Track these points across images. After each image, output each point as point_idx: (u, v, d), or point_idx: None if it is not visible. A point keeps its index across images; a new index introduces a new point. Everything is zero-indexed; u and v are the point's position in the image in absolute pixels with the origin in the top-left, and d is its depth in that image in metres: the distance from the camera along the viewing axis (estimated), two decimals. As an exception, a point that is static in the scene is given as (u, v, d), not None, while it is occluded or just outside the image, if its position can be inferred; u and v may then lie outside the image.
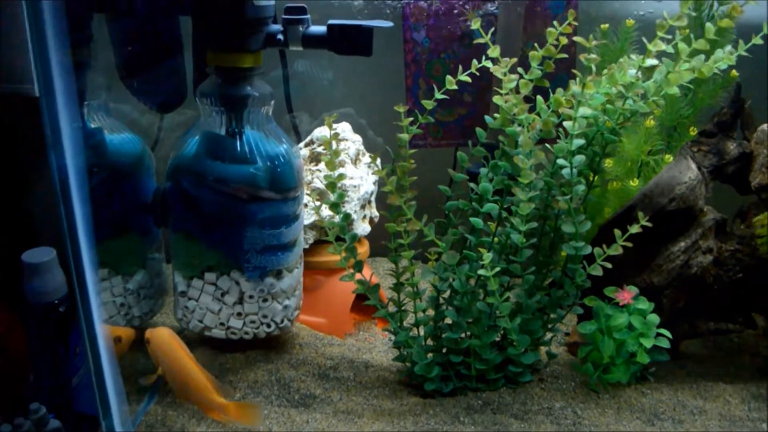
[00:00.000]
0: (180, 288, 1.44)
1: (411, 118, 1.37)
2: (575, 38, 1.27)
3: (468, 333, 1.39)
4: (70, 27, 0.98)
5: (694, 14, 1.71)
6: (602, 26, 1.70)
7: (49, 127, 0.98)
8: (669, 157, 1.59)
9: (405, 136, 1.38)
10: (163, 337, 1.31)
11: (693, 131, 1.62)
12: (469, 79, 1.35)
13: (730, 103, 1.59)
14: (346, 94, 1.97)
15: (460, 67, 1.35)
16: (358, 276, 1.43)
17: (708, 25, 1.24)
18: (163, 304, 1.56)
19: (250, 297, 1.42)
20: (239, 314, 1.43)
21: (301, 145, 1.78)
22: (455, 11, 1.78)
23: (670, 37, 1.26)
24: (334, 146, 1.37)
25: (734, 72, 1.65)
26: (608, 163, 1.59)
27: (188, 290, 1.43)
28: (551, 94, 1.32)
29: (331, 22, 1.34)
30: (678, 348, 1.60)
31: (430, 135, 1.89)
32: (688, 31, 1.27)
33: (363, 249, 1.74)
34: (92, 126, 1.38)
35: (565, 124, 1.29)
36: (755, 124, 1.61)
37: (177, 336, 1.32)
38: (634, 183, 1.60)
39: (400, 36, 1.83)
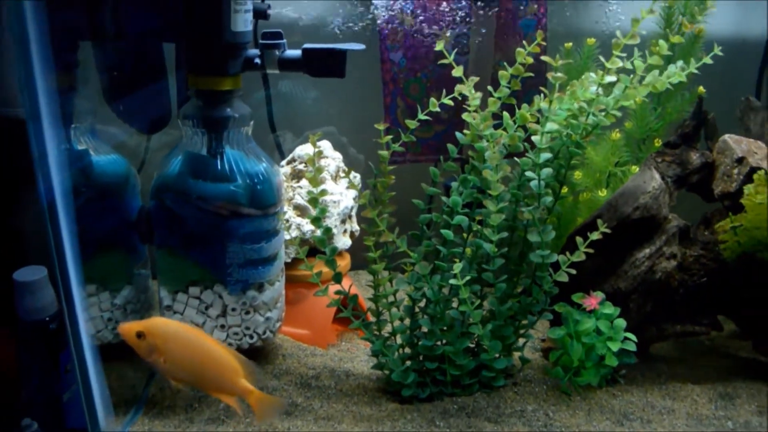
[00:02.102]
0: (165, 302, 1.50)
1: (390, 136, 1.44)
2: (543, 58, 1.34)
3: (442, 340, 1.45)
4: (57, 53, 1.04)
5: (663, 31, 1.79)
6: (566, 45, 1.77)
7: (35, 150, 1.02)
8: (635, 168, 1.66)
9: (385, 153, 1.44)
10: (166, 324, 1.27)
11: (658, 143, 1.69)
12: (451, 103, 1.41)
13: (693, 115, 1.66)
14: (328, 113, 2.03)
15: (444, 90, 1.42)
16: (336, 288, 1.48)
17: (661, 42, 1.30)
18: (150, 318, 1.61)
19: (233, 309, 1.47)
20: (223, 326, 1.48)
21: (283, 162, 1.84)
22: (429, 32, 1.85)
23: (625, 54, 1.33)
24: (317, 163, 1.43)
25: (701, 88, 1.72)
26: (578, 174, 1.67)
27: (173, 304, 1.49)
28: (517, 110, 1.38)
29: (305, 46, 1.40)
30: (648, 351, 1.66)
31: (409, 151, 1.95)
32: (659, 47, 1.34)
33: (344, 262, 1.80)
34: (79, 148, 1.44)
35: (533, 138, 1.36)
36: (720, 135, 1.68)
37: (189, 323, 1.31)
38: (603, 193, 1.66)
39: (378, 56, 1.90)
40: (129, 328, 1.25)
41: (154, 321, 1.27)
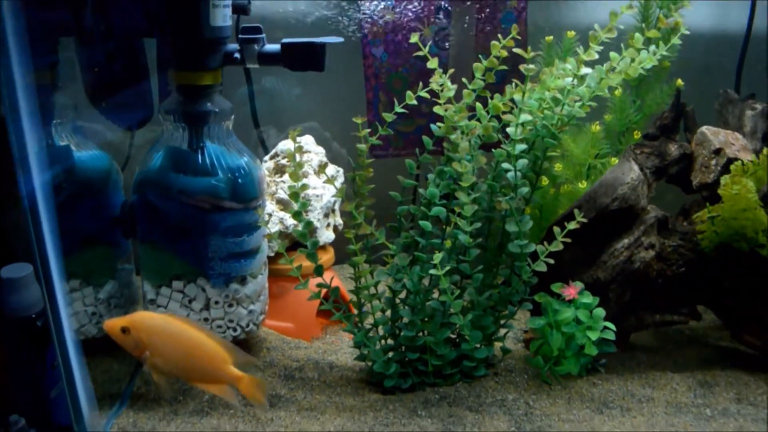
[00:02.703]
0: (149, 296, 1.51)
1: (369, 129, 1.45)
2: (515, 50, 1.35)
3: (423, 331, 1.46)
4: (37, 49, 1.04)
5: (642, 25, 1.81)
6: (547, 38, 1.79)
7: (15, 146, 1.03)
8: (615, 160, 1.67)
9: (363, 147, 1.45)
10: (150, 318, 1.27)
11: (637, 135, 1.71)
12: (428, 96, 1.42)
13: (671, 108, 1.68)
14: (312, 108, 2.05)
15: (421, 84, 1.43)
16: (317, 281, 1.50)
17: (636, 35, 1.32)
18: (134, 312, 1.62)
19: (216, 303, 1.48)
20: (206, 319, 1.49)
21: (267, 157, 1.85)
22: (410, 27, 1.86)
23: (601, 48, 1.34)
24: (298, 158, 1.45)
25: (679, 81, 1.73)
26: (558, 167, 1.68)
27: (157, 298, 1.50)
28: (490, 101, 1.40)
29: (284, 40, 1.41)
30: (628, 340, 1.68)
31: (392, 145, 1.97)
32: (634, 40, 1.36)
33: (328, 256, 1.82)
34: (61, 144, 1.45)
35: (509, 129, 1.37)
36: (698, 127, 1.70)
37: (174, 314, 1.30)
38: (583, 185, 1.68)
39: (360, 51, 1.91)
40: (113, 324, 1.26)
41: (138, 315, 1.28)
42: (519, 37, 1.41)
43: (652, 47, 1.37)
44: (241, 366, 1.27)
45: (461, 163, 1.32)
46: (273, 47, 1.43)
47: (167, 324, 1.27)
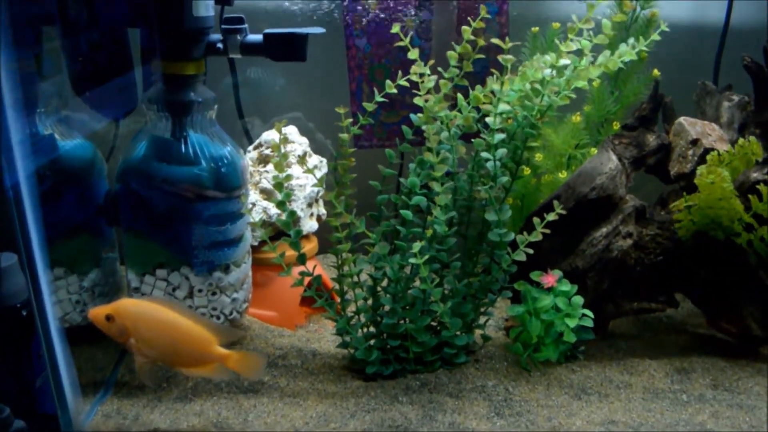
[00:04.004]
0: (133, 284, 1.52)
1: (350, 120, 1.47)
2: (492, 40, 1.37)
3: (405, 318, 1.48)
4: (20, 39, 1.05)
5: (625, 18, 1.82)
6: (532, 29, 1.81)
7: (-1, 136, 1.04)
8: (594, 150, 1.69)
9: (345, 136, 1.47)
10: (134, 304, 1.27)
11: (616, 126, 1.73)
12: (407, 84, 1.44)
13: (650, 99, 1.70)
14: (296, 98, 2.06)
15: (400, 72, 1.45)
16: (300, 269, 1.51)
17: (605, 21, 1.34)
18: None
19: (200, 291, 1.50)
20: (190, 307, 1.51)
21: (251, 147, 1.86)
22: (393, 18, 1.88)
23: (581, 38, 1.36)
24: (283, 149, 1.46)
25: (656, 71, 1.76)
26: (539, 157, 1.70)
27: (141, 286, 1.51)
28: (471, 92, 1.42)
29: (267, 30, 1.43)
30: (607, 327, 1.70)
31: (375, 136, 1.98)
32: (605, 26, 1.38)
33: (311, 245, 1.83)
34: (45, 133, 1.45)
35: (487, 119, 1.39)
36: (676, 118, 1.72)
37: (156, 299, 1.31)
38: (563, 175, 1.70)
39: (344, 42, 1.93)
40: (97, 312, 1.25)
41: (121, 303, 1.27)
42: (488, 16, 1.42)
43: (631, 40, 1.39)
44: (227, 344, 1.27)
45: (433, 152, 1.34)
46: (255, 37, 1.44)
47: (152, 310, 1.27)
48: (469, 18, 1.42)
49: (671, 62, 1.80)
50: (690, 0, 2.07)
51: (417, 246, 1.35)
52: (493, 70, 1.40)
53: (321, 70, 1.99)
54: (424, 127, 1.41)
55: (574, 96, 1.42)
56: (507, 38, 1.37)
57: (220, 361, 1.26)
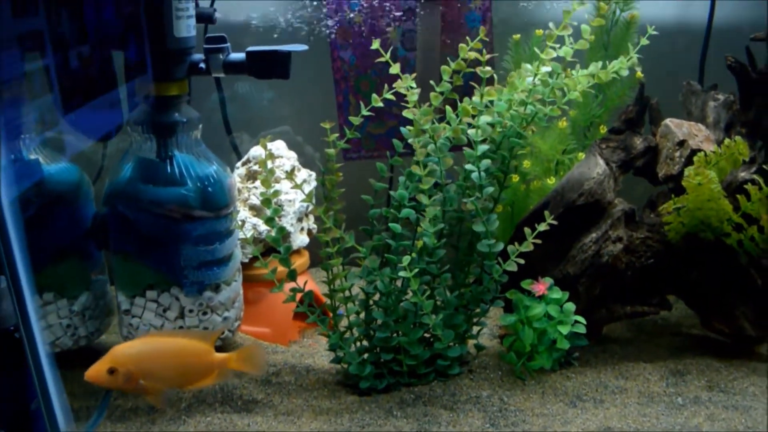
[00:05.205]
0: (123, 306, 1.52)
1: (337, 134, 1.47)
2: (471, 53, 1.37)
3: (397, 331, 1.48)
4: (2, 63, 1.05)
5: (603, 22, 1.83)
6: (514, 36, 1.81)
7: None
8: (582, 155, 1.69)
9: (332, 151, 1.47)
10: (128, 347, 1.25)
11: (603, 129, 1.73)
12: (393, 97, 1.44)
13: (635, 101, 1.71)
14: (284, 113, 2.06)
15: (386, 85, 1.45)
16: (292, 285, 1.51)
17: (583, 26, 1.34)
18: (109, 323, 1.63)
19: (190, 311, 1.49)
20: (181, 328, 1.50)
21: (239, 164, 1.86)
22: (377, 30, 1.88)
23: (558, 45, 1.37)
24: (270, 165, 1.46)
25: (639, 73, 1.76)
26: (527, 163, 1.70)
27: (131, 308, 1.51)
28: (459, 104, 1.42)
29: (249, 49, 1.42)
30: (600, 332, 1.70)
31: (363, 147, 1.98)
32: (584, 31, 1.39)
33: (302, 260, 1.83)
34: (30, 158, 1.45)
35: (470, 132, 1.39)
36: (663, 119, 1.72)
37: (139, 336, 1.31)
38: (552, 181, 1.70)
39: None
40: (96, 370, 1.22)
41: (115, 351, 1.24)
42: (486, 39, 1.43)
43: (622, 58, 1.39)
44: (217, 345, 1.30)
45: (420, 165, 1.34)
46: (238, 56, 1.44)
47: (145, 344, 1.27)
48: (467, 36, 1.42)
49: (656, 63, 1.81)
50: (672, 0, 2.07)
51: (407, 259, 1.35)
52: (473, 83, 1.40)
53: (309, 83, 1.99)
54: (410, 141, 1.41)
55: (566, 108, 1.42)
56: (492, 46, 1.37)
57: (222, 366, 1.28)
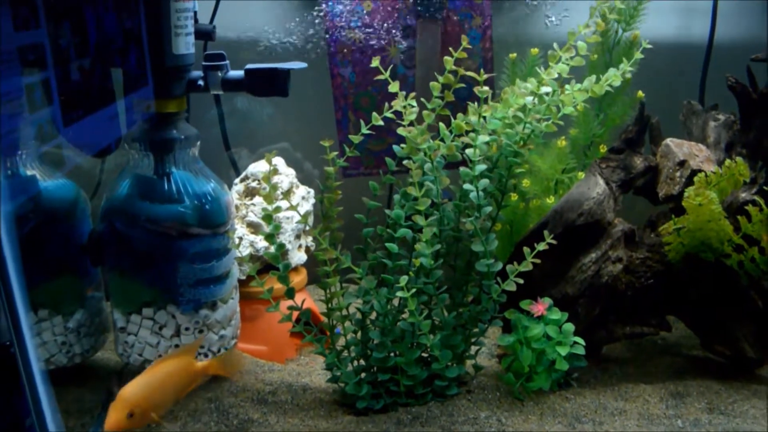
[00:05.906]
0: (119, 324, 1.51)
1: (336, 153, 1.46)
2: (467, 73, 1.37)
3: (394, 351, 1.47)
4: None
5: (600, 39, 1.83)
6: (511, 55, 1.81)
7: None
8: (581, 174, 1.69)
9: (331, 170, 1.47)
10: (135, 386, 1.28)
11: (603, 149, 1.72)
12: (394, 116, 1.44)
13: (635, 120, 1.70)
14: (283, 129, 2.06)
15: (386, 103, 1.45)
16: (289, 303, 1.50)
17: (580, 43, 1.34)
18: (104, 340, 1.62)
19: (186, 329, 1.48)
20: (177, 346, 1.49)
21: (237, 180, 1.85)
22: (377, 47, 1.87)
23: (561, 65, 1.36)
24: (272, 181, 1.45)
25: (640, 92, 1.76)
26: (526, 182, 1.70)
27: (127, 326, 1.49)
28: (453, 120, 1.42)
29: (248, 66, 1.42)
30: (600, 353, 1.69)
31: (363, 164, 1.98)
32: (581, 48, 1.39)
33: (300, 277, 1.82)
34: (26, 174, 1.44)
35: (468, 151, 1.39)
36: (663, 138, 1.72)
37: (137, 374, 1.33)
38: (551, 200, 1.70)
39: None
40: (116, 419, 1.23)
41: (126, 393, 1.26)
42: (469, 47, 1.43)
43: (621, 66, 1.39)
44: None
45: (416, 186, 1.33)
46: (237, 73, 1.44)
47: (145, 380, 1.29)
48: (450, 48, 1.41)
49: (656, 82, 1.80)
50: (673, 19, 2.07)
51: (404, 279, 1.34)
52: (469, 103, 1.39)
53: (308, 100, 1.99)
54: (405, 163, 1.40)
55: (561, 123, 1.41)
56: (492, 64, 1.37)
57: (204, 374, 1.37)
